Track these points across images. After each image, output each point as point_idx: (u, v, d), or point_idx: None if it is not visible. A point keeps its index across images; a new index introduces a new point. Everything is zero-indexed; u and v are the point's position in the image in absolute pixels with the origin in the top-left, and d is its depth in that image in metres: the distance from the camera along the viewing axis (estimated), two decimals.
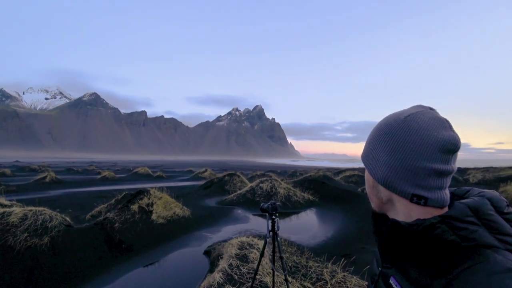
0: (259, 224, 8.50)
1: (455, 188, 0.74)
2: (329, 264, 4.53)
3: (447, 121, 0.65)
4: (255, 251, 4.06)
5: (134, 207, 7.41)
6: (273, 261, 2.65)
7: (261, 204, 2.50)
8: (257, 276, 3.27)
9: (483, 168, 23.25)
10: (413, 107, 0.70)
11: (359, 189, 13.61)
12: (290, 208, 10.61)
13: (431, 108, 0.69)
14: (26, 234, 4.78)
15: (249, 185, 13.13)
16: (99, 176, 23.50)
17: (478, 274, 0.52)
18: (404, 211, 0.67)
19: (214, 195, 13.67)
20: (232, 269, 3.50)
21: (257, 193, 11.61)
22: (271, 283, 2.68)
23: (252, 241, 4.69)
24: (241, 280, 3.26)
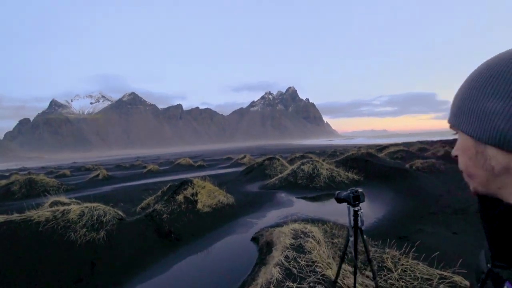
0: (304, 207, 8.29)
1: None
2: (387, 248, 4.19)
3: None
4: (310, 239, 3.80)
5: (180, 197, 7.57)
6: (355, 266, 2.15)
7: (337, 193, 1.97)
8: (318, 269, 3.02)
9: None
10: None
11: (407, 165, 12.71)
12: (335, 189, 10.23)
13: None
14: (84, 230, 5.06)
15: (290, 168, 12.88)
16: (145, 170, 24.76)
17: None
18: None
19: (256, 180, 13.66)
20: (289, 261, 3.23)
21: (299, 176, 11.35)
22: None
23: (305, 228, 4.41)
24: (300, 275, 2.98)
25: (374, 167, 11.75)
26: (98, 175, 20.41)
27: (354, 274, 2.06)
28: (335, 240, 4.50)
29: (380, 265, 3.47)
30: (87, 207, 5.73)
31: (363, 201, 1.81)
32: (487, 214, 0.55)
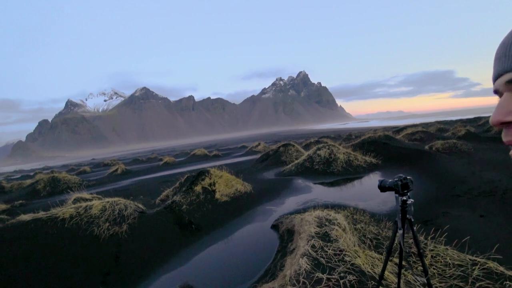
0: (322, 193, 8.18)
1: None
2: None
3: None
4: (336, 227, 3.69)
5: (198, 188, 7.62)
6: (400, 259, 1.93)
7: (381, 181, 1.71)
8: (346, 258, 2.91)
9: None
10: None
11: (427, 147, 12.29)
12: (352, 173, 10.05)
13: None
14: (107, 224, 5.17)
15: (306, 153, 12.73)
16: (161, 163, 25.17)
17: None
18: None
19: (272, 167, 13.62)
20: (317, 251, 3.14)
21: (316, 161, 11.20)
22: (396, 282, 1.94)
23: (329, 215, 4.30)
24: (329, 265, 2.87)
25: (392, 150, 11.44)
26: (116, 169, 20.91)
27: (399, 270, 1.91)
28: (358, 226, 4.39)
29: (407, 250, 3.34)
30: (108, 202, 5.84)
31: (412, 189, 1.62)
32: None
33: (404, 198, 1.61)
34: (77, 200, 7.32)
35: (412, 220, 1.64)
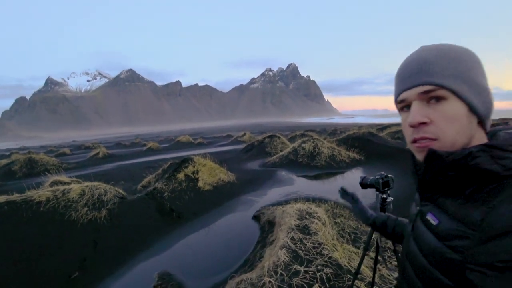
0: (305, 186, 8.29)
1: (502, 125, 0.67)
2: None
3: None
4: (316, 220, 3.76)
5: (181, 175, 7.56)
6: (376, 254, 1.92)
7: (362, 178, 1.69)
8: (324, 251, 2.98)
9: None
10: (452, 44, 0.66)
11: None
12: (335, 168, 10.22)
13: None
14: (86, 209, 5.06)
15: (291, 146, 12.81)
16: (145, 148, 24.76)
17: None
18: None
19: (256, 158, 13.65)
20: (296, 243, 3.19)
21: (300, 154, 11.30)
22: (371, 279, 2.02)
23: (310, 208, 4.36)
24: (307, 257, 2.94)
25: (375, 147, 11.68)
26: (98, 153, 20.40)
27: (374, 265, 1.92)
28: (337, 220, 4.49)
29: (383, 246, 3.45)
30: (87, 186, 5.71)
31: (392, 187, 1.64)
32: (417, 168, 0.70)
33: (384, 196, 1.62)
34: (54, 183, 7.11)
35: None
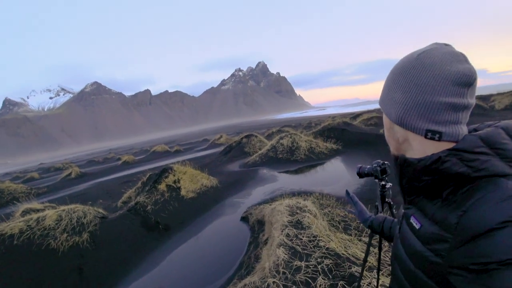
0: (288, 181, 8.36)
1: (478, 124, 0.72)
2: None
3: (462, 54, 0.64)
4: (307, 214, 3.78)
5: (162, 186, 7.36)
6: (380, 240, 1.99)
7: (359, 168, 1.68)
8: (321, 243, 2.98)
9: (508, 92, 21.43)
10: (428, 45, 0.69)
11: (381, 131, 13.07)
12: (315, 160, 10.38)
13: (446, 44, 0.68)
14: (65, 235, 4.78)
15: (269, 143, 12.87)
16: (120, 162, 23.91)
17: (489, 203, 0.53)
18: (420, 149, 0.68)
19: (236, 159, 13.58)
20: (292, 239, 3.18)
21: (279, 150, 11.38)
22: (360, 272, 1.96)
23: (299, 203, 4.38)
24: (305, 252, 2.94)
25: (351, 135, 12.00)
26: (70, 173, 19.41)
27: (379, 252, 1.93)
28: (325, 210, 4.55)
29: None
30: (64, 210, 5.41)
31: (390, 173, 1.65)
32: (397, 170, 0.73)
33: (383, 182, 1.65)
34: (26, 212, 6.66)
35: (392, 203, 1.69)
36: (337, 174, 8.27)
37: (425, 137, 0.65)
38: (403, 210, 0.79)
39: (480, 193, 0.56)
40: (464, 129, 0.64)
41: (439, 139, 0.64)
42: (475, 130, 0.69)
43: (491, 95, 22.74)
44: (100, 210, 6.24)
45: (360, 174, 1.68)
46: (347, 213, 4.48)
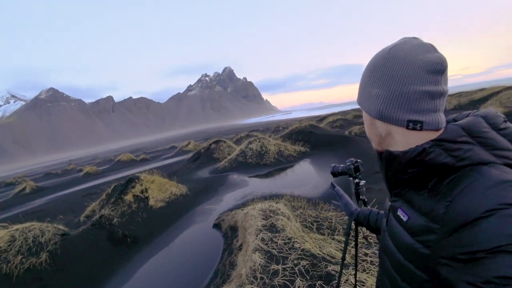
0: (258, 185, 8.40)
1: (457, 114, 0.74)
2: None
3: (431, 45, 0.67)
4: (281, 217, 3.80)
5: (128, 197, 7.05)
6: (356, 238, 2.02)
7: (333, 167, 1.70)
8: (296, 245, 3.00)
9: (456, 93, 23.53)
10: (398, 40, 0.72)
11: (346, 132, 13.62)
12: (284, 163, 10.54)
13: (414, 38, 0.70)
14: (20, 257, 4.38)
15: (238, 148, 12.86)
16: (81, 174, 22.55)
17: (475, 191, 0.54)
18: (403, 141, 0.68)
19: (205, 165, 13.38)
20: (267, 243, 3.16)
21: (248, 155, 11.41)
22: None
23: (272, 206, 4.39)
24: (281, 254, 2.93)
25: (318, 137, 12.35)
26: (24, 188, 17.88)
27: (356, 249, 1.97)
28: (297, 212, 4.62)
29: (344, 227, 3.65)
30: (17, 229, 4.97)
31: (362, 171, 1.70)
32: (383, 164, 0.73)
33: (357, 180, 1.69)
34: None
35: (366, 200, 1.74)
36: (307, 176, 8.45)
37: (407, 128, 0.66)
38: (389, 203, 0.80)
39: (465, 182, 0.56)
40: (442, 117, 0.66)
41: (421, 129, 0.64)
42: (454, 120, 0.71)
43: None
44: (61, 227, 5.82)
45: (334, 173, 1.72)
46: (318, 214, 4.58)
